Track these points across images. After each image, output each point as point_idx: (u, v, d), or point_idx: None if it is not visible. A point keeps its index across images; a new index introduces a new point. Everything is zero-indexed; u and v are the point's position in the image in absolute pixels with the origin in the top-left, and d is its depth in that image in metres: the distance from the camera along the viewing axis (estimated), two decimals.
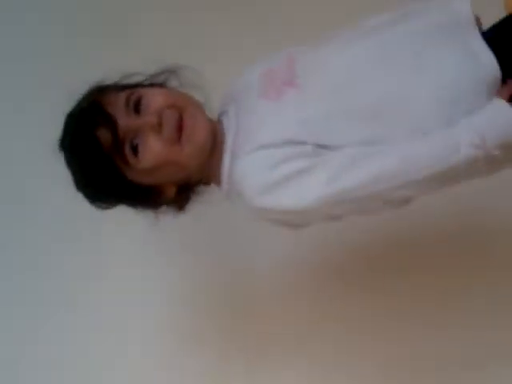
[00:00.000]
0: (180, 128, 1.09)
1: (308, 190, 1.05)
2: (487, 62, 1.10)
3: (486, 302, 1.64)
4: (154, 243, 1.67)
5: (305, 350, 1.64)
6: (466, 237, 1.70)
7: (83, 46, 1.90)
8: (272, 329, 1.66)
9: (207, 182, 1.20)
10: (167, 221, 1.19)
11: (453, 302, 1.64)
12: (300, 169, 1.05)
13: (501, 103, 1.07)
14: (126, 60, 1.78)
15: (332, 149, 1.07)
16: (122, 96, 1.11)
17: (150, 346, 1.67)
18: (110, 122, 1.07)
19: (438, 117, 1.08)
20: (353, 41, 1.15)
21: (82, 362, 1.67)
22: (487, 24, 1.19)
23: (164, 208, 1.18)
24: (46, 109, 1.74)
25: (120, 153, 1.08)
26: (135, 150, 1.08)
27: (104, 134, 1.07)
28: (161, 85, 1.17)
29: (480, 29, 1.15)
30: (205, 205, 1.20)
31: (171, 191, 1.16)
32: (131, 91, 1.12)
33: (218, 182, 1.16)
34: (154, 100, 1.10)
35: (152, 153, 1.08)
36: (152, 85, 1.17)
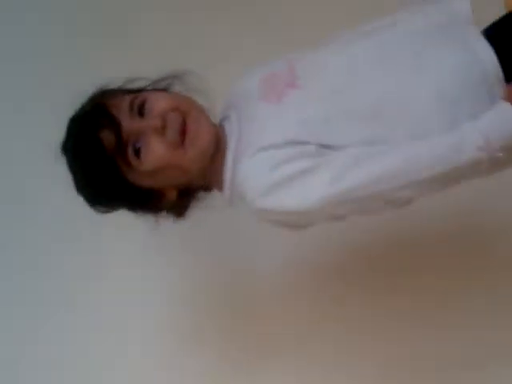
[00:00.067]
0: (183, 132, 1.09)
1: (311, 191, 1.04)
2: (487, 61, 1.10)
3: (486, 302, 1.64)
4: (154, 244, 1.66)
5: (305, 350, 1.64)
6: (465, 237, 1.70)
7: (83, 45, 1.90)
8: (272, 329, 1.66)
9: (209, 188, 1.20)
10: (167, 222, 1.19)
11: (453, 302, 1.65)
12: (303, 169, 1.05)
13: (505, 106, 1.07)
14: (126, 60, 1.81)
15: (335, 149, 1.07)
16: (126, 99, 1.11)
17: (150, 346, 1.67)
18: (114, 124, 1.07)
19: (438, 116, 1.08)
20: (352, 42, 1.15)
21: (82, 361, 1.67)
22: (486, 23, 1.20)
23: (164, 213, 1.18)
24: (46, 109, 1.76)
25: (123, 155, 1.08)
26: (138, 152, 1.08)
27: (107, 136, 1.07)
28: (164, 90, 1.17)
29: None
30: (206, 209, 1.20)
31: (172, 195, 1.15)
32: (135, 95, 1.12)
33: (220, 187, 1.16)
34: (158, 103, 1.10)
35: (154, 155, 1.08)
36: (155, 89, 1.17)
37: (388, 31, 1.15)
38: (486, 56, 1.10)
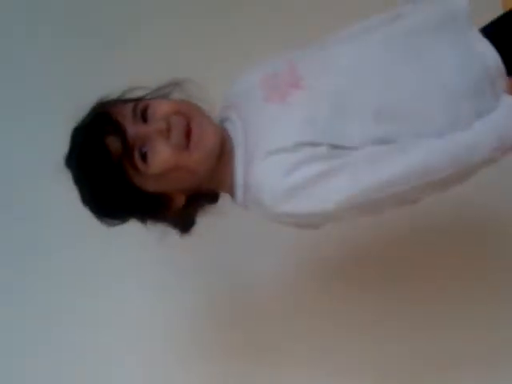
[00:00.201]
0: (188, 134, 1.09)
1: (332, 193, 1.04)
2: (488, 57, 1.11)
3: (487, 302, 1.64)
4: (150, 243, 1.66)
5: (305, 350, 1.64)
6: (467, 236, 1.70)
7: (84, 48, 1.89)
8: (272, 329, 1.66)
9: (216, 192, 1.20)
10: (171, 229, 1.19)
11: (453, 301, 1.64)
12: (319, 172, 1.05)
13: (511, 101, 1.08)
14: (126, 60, 1.81)
15: (345, 149, 1.07)
16: (129, 106, 1.11)
17: (148, 357, 1.66)
18: (119, 131, 1.07)
19: (444, 114, 1.09)
20: (355, 41, 1.15)
21: (81, 370, 1.67)
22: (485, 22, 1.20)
23: (171, 226, 1.17)
24: (46, 118, 1.76)
25: (130, 160, 1.07)
26: (144, 157, 1.08)
27: (113, 143, 1.06)
28: (165, 97, 1.17)
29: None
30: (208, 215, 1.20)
31: (180, 200, 1.14)
32: (137, 101, 1.12)
33: (230, 191, 1.15)
34: (161, 107, 1.10)
35: (161, 158, 1.07)
36: (156, 97, 1.17)
37: (388, 30, 1.15)
38: (487, 52, 1.11)
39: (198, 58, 1.79)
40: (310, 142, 1.06)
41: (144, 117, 1.10)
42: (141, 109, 1.10)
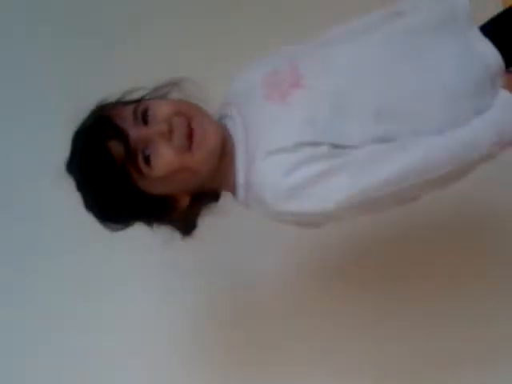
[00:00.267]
0: (190, 135, 1.09)
1: (332, 192, 1.05)
2: (488, 55, 1.12)
3: (487, 300, 1.64)
4: (151, 253, 1.66)
5: (305, 350, 1.64)
6: (465, 233, 1.70)
7: (84, 48, 1.89)
8: (273, 328, 1.66)
9: (218, 191, 1.20)
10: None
11: (452, 299, 1.64)
12: (320, 171, 1.05)
13: (509, 96, 1.08)
14: (126, 61, 1.81)
15: (346, 148, 1.07)
16: (129, 108, 1.10)
17: (149, 354, 1.66)
18: (121, 135, 1.06)
19: (444, 112, 1.09)
20: (355, 40, 1.15)
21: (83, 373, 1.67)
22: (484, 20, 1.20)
23: (174, 228, 1.17)
24: (45, 120, 1.76)
25: (133, 164, 1.07)
26: (147, 160, 1.07)
27: (116, 147, 1.06)
28: (163, 97, 1.17)
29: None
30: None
31: (185, 201, 1.14)
32: (137, 103, 1.12)
33: (231, 189, 1.15)
34: (161, 109, 1.10)
35: (164, 161, 1.07)
36: (155, 97, 1.16)
37: (389, 29, 1.15)
38: (487, 51, 1.12)
39: (198, 58, 1.79)
40: (310, 142, 1.06)
41: (145, 119, 1.09)
42: (141, 111, 1.09)
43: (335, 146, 1.07)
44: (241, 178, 1.12)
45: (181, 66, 1.18)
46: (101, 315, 1.68)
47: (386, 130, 1.08)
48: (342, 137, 1.07)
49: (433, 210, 1.57)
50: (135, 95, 1.16)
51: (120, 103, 1.15)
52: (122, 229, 1.17)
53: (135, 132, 1.07)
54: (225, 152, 1.13)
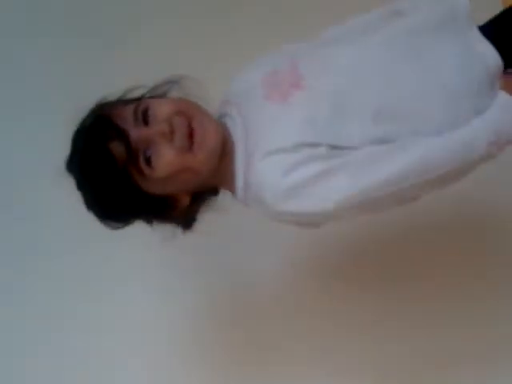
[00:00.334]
0: (191, 135, 1.09)
1: (331, 192, 1.05)
2: (488, 56, 1.12)
3: (487, 300, 1.64)
4: (151, 252, 1.67)
5: (305, 350, 1.64)
6: (465, 233, 1.70)
7: (84, 48, 1.89)
8: (273, 328, 1.66)
9: (217, 189, 1.20)
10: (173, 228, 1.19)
11: (452, 299, 1.64)
12: (319, 171, 1.05)
13: (507, 97, 1.09)
14: (126, 61, 1.81)
15: (344, 149, 1.07)
16: (129, 108, 1.10)
17: (149, 355, 1.66)
18: (122, 135, 1.06)
19: (444, 113, 1.09)
20: (355, 39, 1.15)
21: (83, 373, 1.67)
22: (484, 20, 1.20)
23: (174, 225, 1.17)
24: (45, 118, 1.76)
25: (135, 165, 1.07)
26: (148, 161, 1.07)
27: (117, 148, 1.05)
28: (163, 95, 1.17)
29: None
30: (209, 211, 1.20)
31: (185, 200, 1.15)
32: (137, 103, 1.11)
33: (230, 187, 1.16)
34: (161, 109, 1.10)
35: (166, 161, 1.07)
36: (155, 96, 1.16)
37: (389, 30, 1.15)
38: (487, 52, 1.12)
39: (198, 58, 1.79)
40: (309, 143, 1.06)
41: (145, 119, 1.09)
42: (142, 111, 1.09)
43: (334, 147, 1.07)
44: (240, 177, 1.12)
45: (181, 66, 1.17)
46: (101, 315, 1.68)
47: (386, 131, 1.08)
48: (341, 137, 1.07)
49: (433, 210, 1.57)
50: (135, 93, 1.16)
51: (120, 102, 1.15)
52: (122, 227, 1.17)
53: (136, 132, 1.07)
54: (225, 151, 1.13)
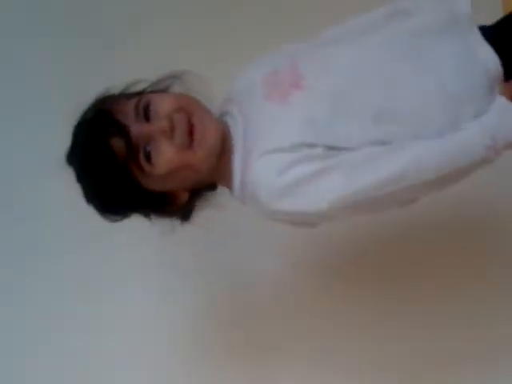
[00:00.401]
0: (191, 133, 1.09)
1: (326, 192, 1.05)
2: (488, 59, 1.12)
3: (487, 300, 1.64)
4: (151, 251, 1.67)
5: (305, 350, 1.64)
6: (464, 233, 1.70)
7: (84, 48, 1.89)
8: (272, 328, 1.66)
9: (215, 185, 1.20)
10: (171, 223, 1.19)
11: (452, 299, 1.64)
12: (314, 170, 1.05)
13: (505, 102, 1.08)
14: (126, 60, 1.81)
15: (342, 150, 1.07)
16: (130, 104, 1.11)
17: (148, 356, 1.66)
18: (123, 131, 1.06)
19: (444, 116, 1.09)
20: (355, 40, 1.15)
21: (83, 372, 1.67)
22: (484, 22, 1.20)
23: (173, 217, 1.18)
24: (45, 113, 1.76)
25: (135, 161, 1.07)
26: (148, 157, 1.08)
27: (117, 143, 1.06)
28: (165, 90, 1.17)
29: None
30: (208, 208, 1.20)
31: (184, 197, 1.16)
32: (139, 98, 1.12)
33: (228, 185, 1.16)
34: (163, 105, 1.10)
35: (165, 159, 1.08)
36: (157, 91, 1.16)
37: (389, 31, 1.15)
38: (488, 55, 1.12)
39: (198, 57, 1.79)
40: (307, 143, 1.06)
41: (146, 114, 1.09)
42: (143, 106, 1.10)
43: (331, 148, 1.07)
44: (237, 175, 1.12)
45: (181, 65, 1.17)
46: (101, 315, 1.68)
47: (386, 132, 1.07)
48: (340, 138, 1.07)
49: (433, 210, 1.56)
50: (138, 87, 1.17)
51: (122, 96, 1.15)
52: (120, 220, 1.17)
53: (137, 128, 1.08)
54: (224, 149, 1.13)
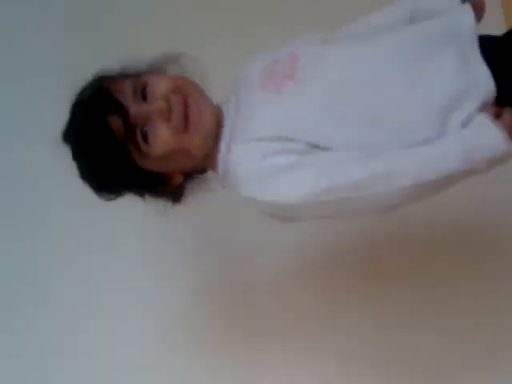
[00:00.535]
0: (187, 116, 1.10)
1: (296, 185, 1.06)
2: (483, 79, 1.10)
3: (487, 301, 1.64)
4: (152, 240, 1.66)
5: (305, 349, 1.64)
6: (466, 236, 1.70)
7: (82, 33, 1.90)
8: (272, 328, 1.66)
9: (205, 168, 1.21)
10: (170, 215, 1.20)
11: (453, 301, 1.65)
12: (290, 163, 1.06)
13: (486, 120, 1.06)
14: (125, 48, 1.81)
15: (323, 149, 1.07)
16: (128, 83, 1.12)
17: (148, 347, 1.66)
18: (121, 110, 1.07)
19: (432, 128, 1.08)
20: (356, 43, 1.16)
21: (82, 362, 1.67)
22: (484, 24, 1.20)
23: (164, 198, 1.19)
24: (47, 116, 1.76)
25: (132, 140, 1.08)
26: (145, 137, 1.09)
27: (116, 122, 1.07)
28: (162, 72, 1.18)
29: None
30: (205, 200, 1.21)
31: (179, 179, 1.17)
32: (136, 78, 1.12)
33: (215, 169, 1.17)
34: (160, 86, 1.11)
35: (162, 140, 1.09)
36: (154, 72, 1.17)
37: (390, 36, 1.15)
38: (483, 74, 1.10)
39: (198, 57, 1.79)
40: (289, 138, 1.07)
41: (144, 95, 1.10)
42: (140, 86, 1.11)
43: (313, 146, 1.07)
44: (220, 159, 1.14)
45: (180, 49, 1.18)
46: (101, 315, 1.68)
47: (370, 138, 1.08)
48: (323, 137, 1.08)
49: (432, 211, 1.57)
50: (134, 67, 1.17)
51: (120, 76, 1.15)
52: (114, 198, 1.18)
53: (135, 108, 1.09)
54: (218, 135, 1.14)
